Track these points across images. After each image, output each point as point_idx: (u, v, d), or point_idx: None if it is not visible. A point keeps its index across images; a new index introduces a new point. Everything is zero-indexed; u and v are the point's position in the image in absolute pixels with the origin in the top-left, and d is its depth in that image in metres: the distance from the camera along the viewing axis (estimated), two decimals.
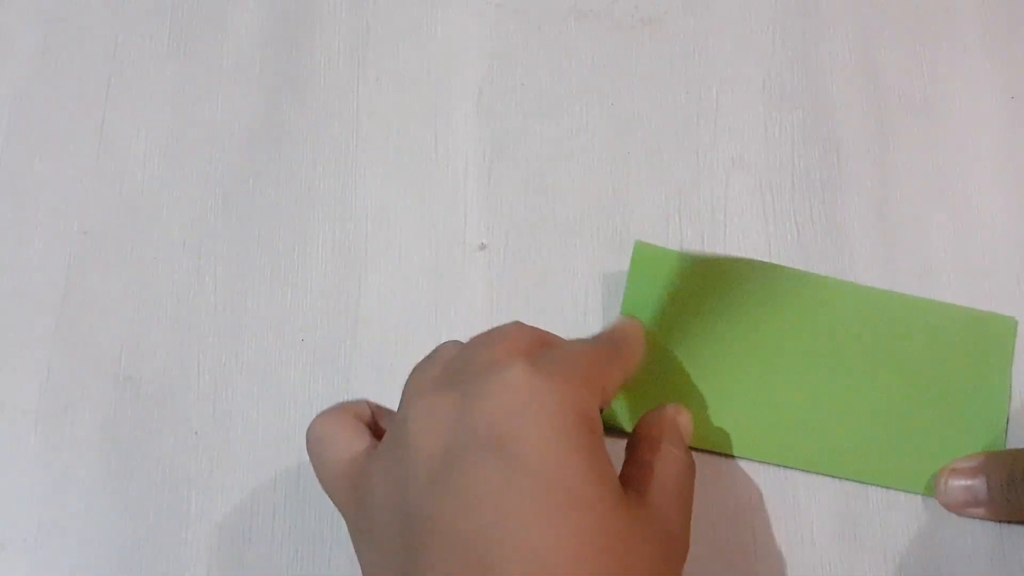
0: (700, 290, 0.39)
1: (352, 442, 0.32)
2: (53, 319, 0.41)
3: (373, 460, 0.31)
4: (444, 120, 0.44)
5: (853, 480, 0.38)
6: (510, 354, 0.29)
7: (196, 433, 0.39)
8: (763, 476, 0.38)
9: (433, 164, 0.43)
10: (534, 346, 0.31)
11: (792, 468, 0.38)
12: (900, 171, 0.43)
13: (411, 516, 0.27)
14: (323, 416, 0.34)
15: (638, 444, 0.34)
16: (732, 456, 0.38)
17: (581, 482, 0.27)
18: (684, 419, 0.35)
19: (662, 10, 0.46)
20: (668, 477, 0.32)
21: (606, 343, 0.35)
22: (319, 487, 0.34)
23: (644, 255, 0.40)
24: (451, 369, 0.31)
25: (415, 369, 0.33)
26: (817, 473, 0.38)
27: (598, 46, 0.45)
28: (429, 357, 0.33)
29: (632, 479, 0.32)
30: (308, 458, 0.34)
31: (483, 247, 0.42)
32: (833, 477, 0.38)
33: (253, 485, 0.38)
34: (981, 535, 0.38)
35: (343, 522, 0.33)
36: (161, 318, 0.41)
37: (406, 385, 0.32)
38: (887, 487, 0.38)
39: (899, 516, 0.38)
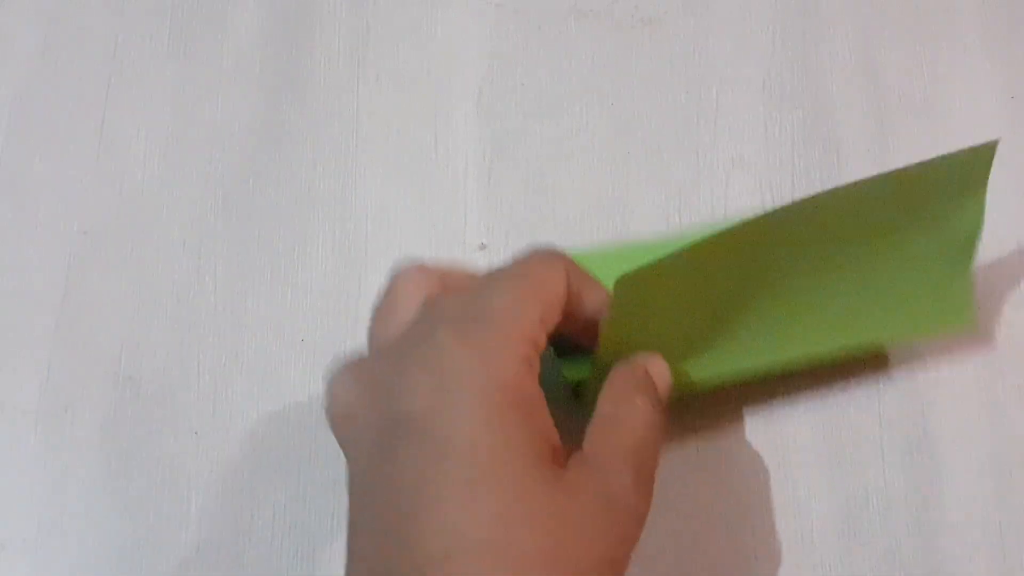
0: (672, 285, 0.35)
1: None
2: (53, 319, 0.41)
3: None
4: (444, 120, 0.44)
5: (845, 347, 0.37)
6: (436, 320, 0.28)
7: (196, 433, 0.39)
8: (763, 476, 0.38)
9: (433, 164, 0.43)
10: (439, 290, 0.30)
11: (791, 365, 0.37)
12: None
13: (352, 495, 0.28)
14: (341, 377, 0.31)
15: (602, 398, 0.31)
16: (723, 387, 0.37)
17: (500, 457, 0.26)
18: (657, 368, 0.32)
19: (662, 10, 0.46)
20: (625, 433, 0.30)
21: (522, 281, 0.30)
22: (319, 487, 0.34)
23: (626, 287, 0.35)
24: (392, 336, 0.30)
25: (377, 319, 0.32)
26: (816, 357, 0.37)
27: (598, 46, 0.45)
28: (390, 304, 0.32)
29: (591, 437, 0.30)
30: (310, 450, 0.33)
31: (483, 247, 0.42)
32: (832, 352, 0.37)
33: (253, 485, 0.38)
34: (981, 535, 0.38)
35: (343, 522, 0.33)
36: (161, 318, 0.41)
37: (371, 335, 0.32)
38: (874, 341, 0.38)
39: (899, 516, 0.38)
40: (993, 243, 0.42)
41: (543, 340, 0.29)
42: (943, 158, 0.35)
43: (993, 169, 0.43)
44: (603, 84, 0.45)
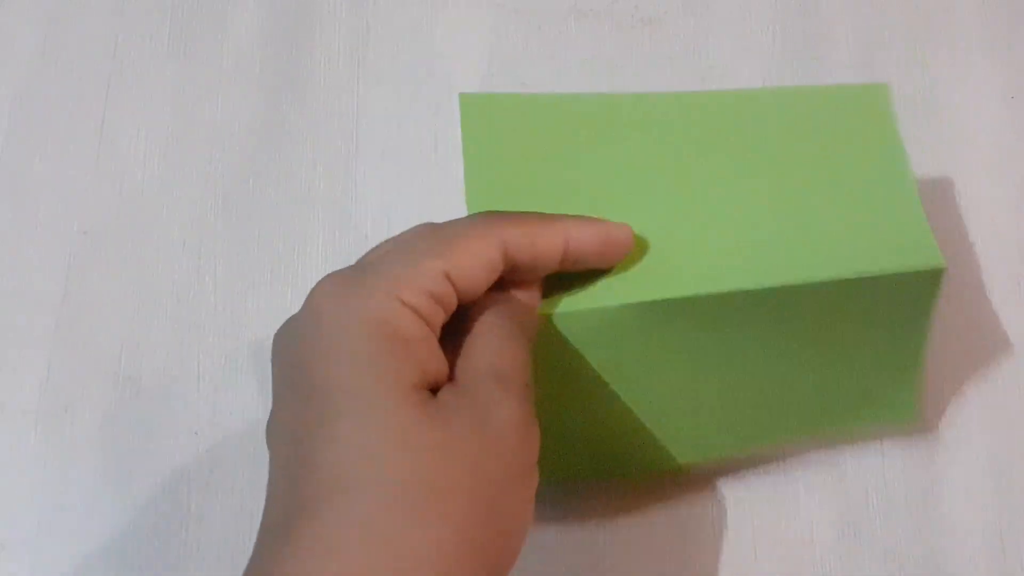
0: (543, 135, 0.35)
1: None
2: (53, 319, 0.41)
3: None
4: (444, 120, 0.44)
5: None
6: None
7: (196, 433, 0.39)
8: (764, 476, 0.38)
9: (433, 164, 0.43)
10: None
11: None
12: None
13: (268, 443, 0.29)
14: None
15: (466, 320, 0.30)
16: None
17: (371, 394, 0.26)
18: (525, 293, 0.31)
19: (662, 10, 0.46)
20: (485, 351, 0.29)
21: (430, 238, 0.30)
22: None
23: (472, 106, 0.35)
24: None
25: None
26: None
27: (598, 46, 0.45)
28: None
29: (459, 364, 0.29)
30: None
31: None
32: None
33: (253, 485, 0.38)
34: (981, 535, 0.38)
35: None
36: (161, 318, 0.41)
37: None
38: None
39: (899, 516, 0.38)
40: (991, 241, 0.42)
41: (449, 293, 0.28)
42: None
43: (992, 169, 0.43)
44: (603, 84, 0.45)
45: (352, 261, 0.43)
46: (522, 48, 0.45)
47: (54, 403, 0.40)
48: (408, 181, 0.43)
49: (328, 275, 0.29)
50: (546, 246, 0.30)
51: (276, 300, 0.41)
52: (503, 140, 0.35)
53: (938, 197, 0.43)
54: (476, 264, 0.29)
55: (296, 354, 0.28)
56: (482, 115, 0.35)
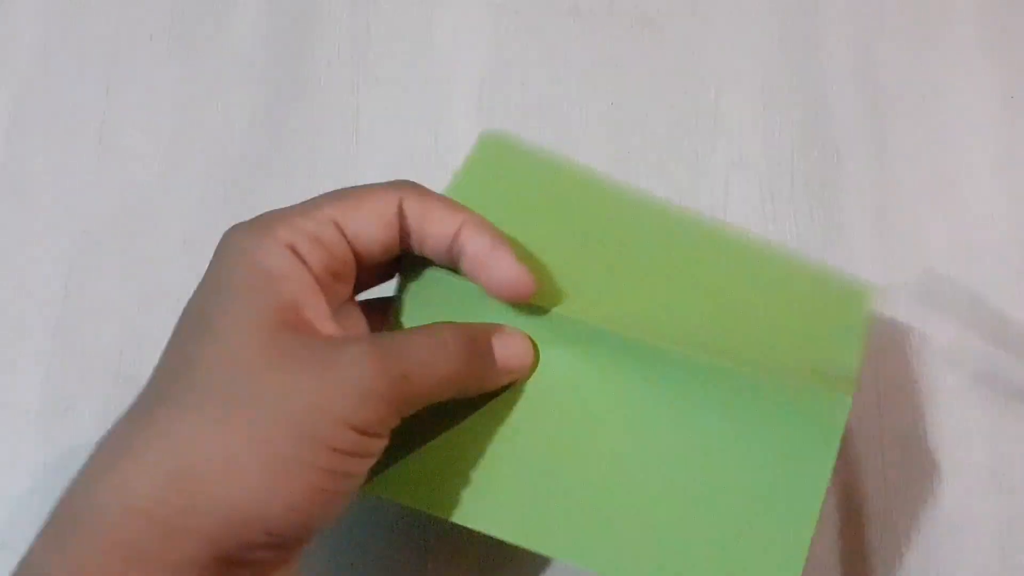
0: (541, 198, 0.35)
1: None
2: (54, 319, 0.41)
3: None
4: (444, 120, 0.44)
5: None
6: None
7: None
8: None
9: (433, 164, 0.43)
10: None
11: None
12: (900, 171, 0.43)
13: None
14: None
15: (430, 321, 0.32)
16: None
17: (214, 316, 0.29)
18: (507, 342, 0.32)
19: (662, 10, 0.46)
20: (413, 347, 0.29)
21: (336, 194, 0.31)
22: None
23: (490, 145, 0.35)
24: None
25: None
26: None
27: (598, 46, 0.45)
28: None
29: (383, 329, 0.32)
30: None
31: None
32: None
33: None
34: (981, 536, 0.38)
35: (342, 522, 0.33)
36: (161, 317, 0.41)
37: None
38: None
39: (899, 517, 0.38)
40: (991, 240, 0.42)
41: (336, 238, 0.30)
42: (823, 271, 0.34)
43: (992, 169, 0.43)
44: (603, 84, 0.45)
45: None
46: (522, 48, 0.45)
47: (54, 403, 0.40)
48: None
49: (241, 221, 0.31)
50: (437, 223, 0.31)
51: None
52: (499, 186, 0.34)
53: (938, 197, 0.43)
54: (369, 216, 0.30)
55: (208, 269, 0.30)
56: (493, 157, 0.35)
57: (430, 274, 0.32)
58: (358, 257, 0.31)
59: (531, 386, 0.32)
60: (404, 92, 0.45)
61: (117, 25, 0.46)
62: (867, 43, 0.45)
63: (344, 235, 0.30)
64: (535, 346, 0.32)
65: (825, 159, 0.43)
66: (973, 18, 0.45)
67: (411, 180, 0.32)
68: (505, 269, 0.31)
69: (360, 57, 0.45)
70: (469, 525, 0.31)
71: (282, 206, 0.43)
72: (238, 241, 0.29)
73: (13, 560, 0.38)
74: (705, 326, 0.32)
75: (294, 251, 0.29)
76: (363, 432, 0.27)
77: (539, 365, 0.32)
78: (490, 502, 0.31)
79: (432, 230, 0.31)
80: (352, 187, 0.31)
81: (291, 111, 0.44)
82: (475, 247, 0.31)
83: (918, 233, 0.42)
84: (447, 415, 0.32)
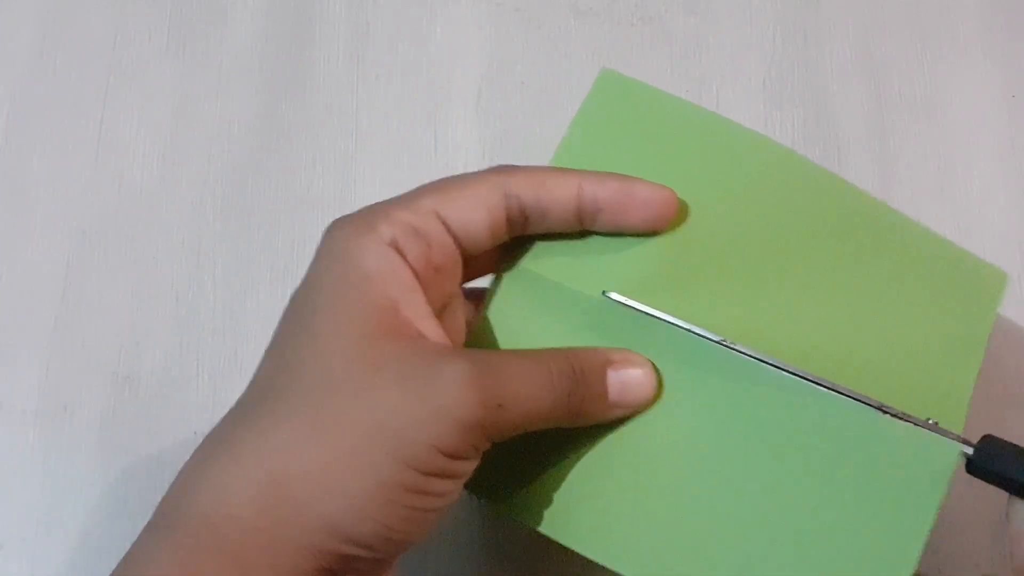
0: (673, 144, 0.32)
1: None
2: (52, 319, 0.41)
3: None
4: (444, 120, 0.44)
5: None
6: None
7: (196, 433, 0.39)
8: None
9: (433, 164, 0.43)
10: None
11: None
12: (900, 171, 0.43)
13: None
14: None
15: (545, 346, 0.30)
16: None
17: (308, 318, 0.28)
18: (628, 375, 0.30)
19: (662, 9, 0.46)
20: (515, 372, 0.28)
21: (437, 183, 0.30)
22: None
23: (608, 83, 0.33)
24: None
25: None
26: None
27: (598, 45, 0.45)
28: None
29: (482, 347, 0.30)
30: None
31: None
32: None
33: None
34: (981, 536, 0.38)
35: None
36: (160, 318, 0.41)
37: None
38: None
39: None
40: (992, 240, 0.42)
41: (437, 229, 0.29)
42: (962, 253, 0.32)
43: (992, 169, 0.43)
44: None
45: None
46: (522, 47, 0.45)
47: (53, 403, 0.40)
48: (408, 181, 0.43)
49: (346, 214, 0.30)
50: (556, 189, 0.29)
51: (276, 300, 0.41)
52: (618, 130, 0.32)
53: (938, 196, 0.43)
54: (472, 203, 0.29)
55: (311, 265, 0.29)
56: (614, 95, 0.33)
57: (528, 274, 0.31)
58: (462, 248, 0.29)
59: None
60: (404, 91, 0.45)
61: (116, 25, 0.46)
62: (869, 41, 0.45)
63: (447, 226, 0.29)
64: (658, 375, 0.30)
65: (827, 158, 0.43)
66: (975, 16, 0.45)
67: (505, 164, 0.30)
68: (643, 191, 0.30)
69: (359, 56, 0.45)
70: (567, 543, 0.30)
71: (281, 206, 0.43)
72: (337, 239, 0.28)
73: (13, 560, 0.38)
74: (828, 323, 0.31)
75: (394, 246, 0.28)
76: (453, 456, 0.27)
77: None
78: (590, 520, 0.30)
79: (554, 196, 0.29)
80: (452, 176, 0.30)
81: (291, 110, 0.44)
82: (606, 191, 0.29)
83: None
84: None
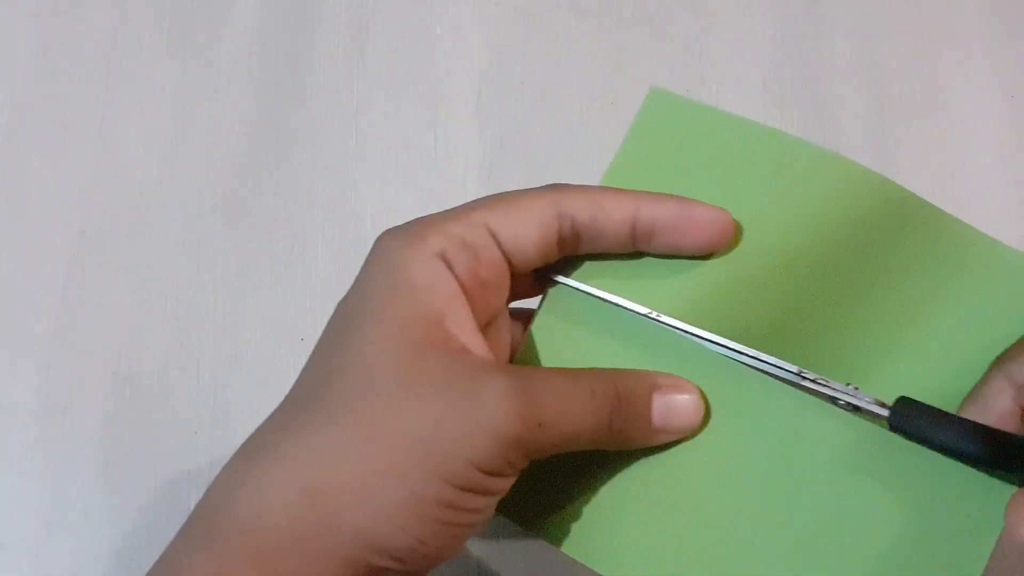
0: (725, 161, 0.31)
1: None
2: (52, 319, 0.41)
3: None
4: (444, 120, 0.44)
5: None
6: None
7: (196, 433, 0.39)
8: None
9: (433, 164, 0.43)
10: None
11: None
12: (900, 171, 0.43)
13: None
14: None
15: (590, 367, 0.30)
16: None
17: (357, 325, 0.28)
18: (673, 400, 0.29)
19: (662, 9, 0.46)
20: (552, 389, 0.28)
21: (488, 199, 0.30)
22: None
23: (659, 103, 0.32)
24: None
25: None
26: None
27: (598, 45, 0.45)
28: None
29: (527, 363, 0.30)
30: None
31: None
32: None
33: None
34: None
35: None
36: (161, 318, 0.41)
37: None
38: None
39: None
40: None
41: (487, 243, 0.29)
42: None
43: (992, 169, 0.43)
44: (603, 83, 0.45)
45: (352, 260, 0.43)
46: (522, 47, 0.45)
47: (53, 403, 0.40)
48: (408, 181, 0.43)
49: (398, 225, 0.30)
50: (612, 211, 0.29)
51: (276, 300, 0.41)
52: (670, 149, 0.32)
53: (938, 196, 0.42)
54: (524, 219, 0.29)
55: (360, 273, 0.29)
56: (664, 114, 0.32)
57: (576, 292, 0.30)
58: (511, 264, 0.29)
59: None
60: (404, 91, 0.45)
61: (116, 25, 0.46)
62: (869, 42, 0.45)
63: (497, 240, 0.29)
64: (706, 402, 0.29)
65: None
66: (975, 17, 0.45)
67: (562, 182, 0.30)
68: (701, 213, 0.29)
69: (360, 56, 0.45)
70: (596, 568, 0.29)
71: (281, 206, 0.43)
72: (386, 249, 0.29)
73: (13, 560, 0.38)
74: (878, 347, 0.30)
75: (443, 258, 0.28)
76: (490, 474, 0.27)
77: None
78: (621, 545, 0.29)
79: (610, 217, 0.29)
80: (507, 192, 0.30)
81: (291, 110, 0.44)
82: (664, 213, 0.29)
83: None
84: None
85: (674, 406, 0.29)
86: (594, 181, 0.43)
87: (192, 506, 0.38)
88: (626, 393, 0.28)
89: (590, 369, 0.29)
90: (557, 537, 0.30)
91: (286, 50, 0.45)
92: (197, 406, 0.40)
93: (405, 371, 0.27)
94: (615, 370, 0.29)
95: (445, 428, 0.26)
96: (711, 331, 0.29)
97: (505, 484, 0.27)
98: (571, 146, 0.43)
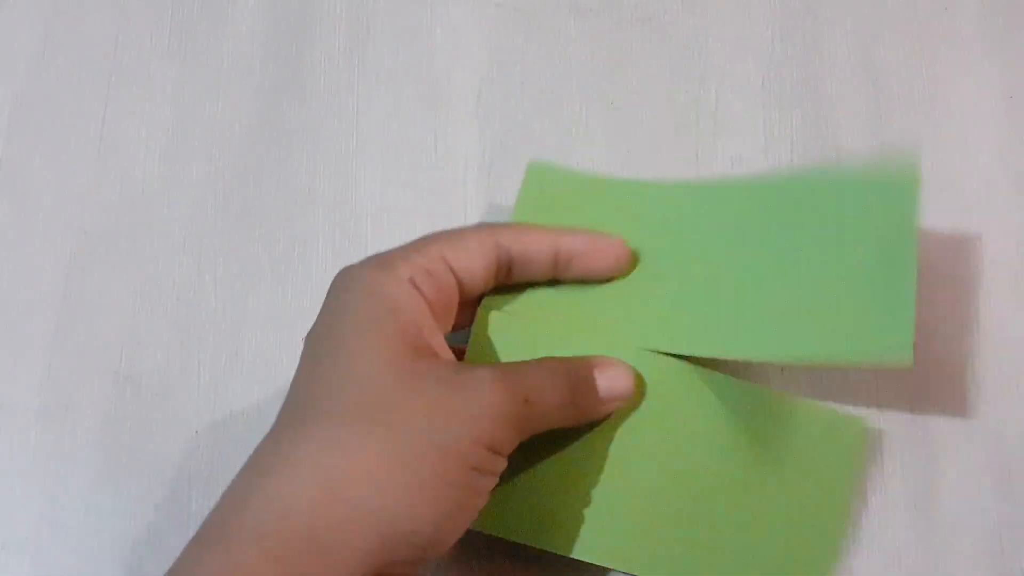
0: (596, 215, 0.38)
1: None
2: (53, 319, 0.41)
3: None
4: (444, 120, 0.44)
5: (774, 356, 0.36)
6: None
7: (196, 433, 0.39)
8: None
9: (433, 164, 0.43)
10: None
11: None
12: None
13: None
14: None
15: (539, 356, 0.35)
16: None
17: (346, 341, 0.31)
18: (611, 374, 0.35)
19: (662, 9, 0.46)
20: (526, 377, 0.33)
21: (437, 234, 0.35)
22: None
23: (537, 174, 0.39)
24: None
25: None
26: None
27: (598, 45, 0.45)
28: None
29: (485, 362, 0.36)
30: None
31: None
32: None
33: None
34: (981, 535, 0.38)
35: None
36: (161, 318, 0.41)
37: None
38: (804, 356, 0.35)
39: (899, 516, 0.38)
40: (991, 240, 0.42)
41: (445, 271, 0.33)
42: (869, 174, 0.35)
43: (991, 168, 0.43)
44: (603, 83, 0.45)
45: (351, 261, 0.43)
46: (522, 47, 0.45)
47: (54, 403, 0.40)
48: (408, 181, 0.43)
49: (351, 264, 0.34)
50: (535, 240, 0.35)
51: (276, 300, 0.41)
52: (552, 213, 0.38)
53: (938, 197, 0.43)
54: (471, 252, 0.34)
55: (328, 302, 0.33)
56: (543, 185, 0.39)
57: (504, 319, 0.36)
58: (462, 290, 0.34)
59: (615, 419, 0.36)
60: (404, 91, 0.45)
61: (117, 24, 0.46)
62: (868, 42, 0.45)
63: (452, 270, 0.33)
64: (639, 376, 0.36)
65: (826, 158, 0.43)
66: (974, 17, 0.45)
67: (493, 223, 0.35)
68: (607, 241, 0.36)
69: (360, 56, 0.45)
70: (571, 555, 0.35)
71: (281, 206, 0.43)
72: (356, 278, 0.32)
73: (13, 560, 0.38)
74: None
75: (413, 284, 0.32)
76: (494, 451, 0.30)
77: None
78: (590, 531, 0.35)
79: (535, 247, 0.35)
80: (452, 229, 0.35)
81: (291, 110, 0.44)
82: (578, 242, 0.35)
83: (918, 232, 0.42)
84: (539, 449, 0.35)
85: (612, 375, 0.34)
86: None
87: (192, 506, 0.38)
88: (576, 370, 0.34)
89: (545, 358, 0.34)
90: (517, 532, 0.35)
91: (286, 50, 0.45)
92: (197, 406, 0.40)
93: (400, 373, 0.30)
94: (562, 357, 0.34)
95: (447, 414, 0.29)
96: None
97: (502, 465, 0.31)
98: (571, 146, 0.44)
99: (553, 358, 0.34)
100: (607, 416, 0.35)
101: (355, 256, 0.42)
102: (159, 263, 0.42)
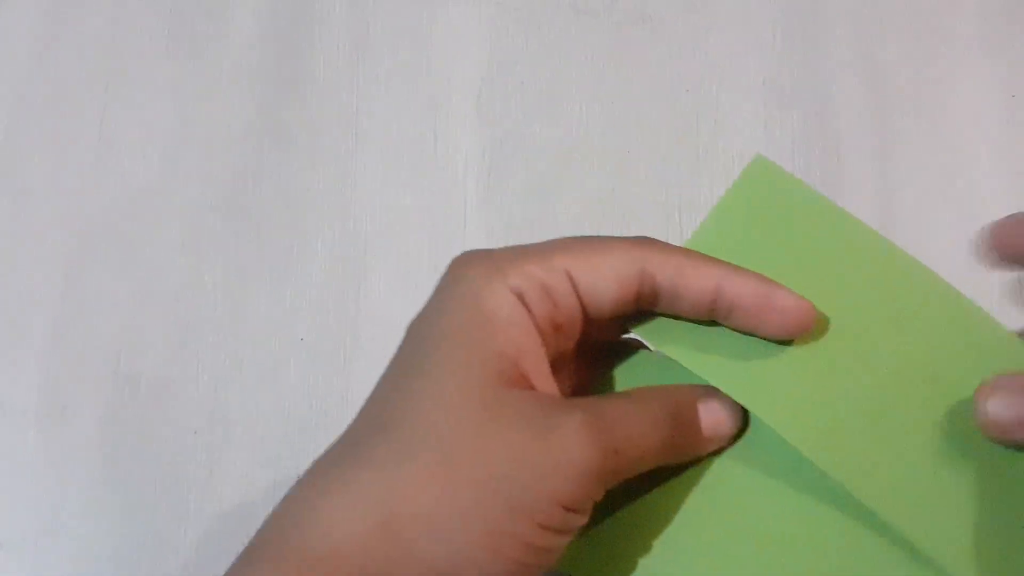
0: (815, 250, 0.31)
1: None
2: (52, 319, 0.41)
3: None
4: (444, 120, 0.44)
5: None
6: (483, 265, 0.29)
7: (196, 433, 0.39)
8: None
9: (433, 164, 0.43)
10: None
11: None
12: (900, 170, 0.43)
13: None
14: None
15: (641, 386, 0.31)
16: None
17: (432, 357, 0.28)
18: (713, 408, 0.30)
19: (662, 8, 0.46)
20: (607, 398, 0.29)
21: (575, 240, 0.30)
22: None
23: (760, 173, 0.32)
24: None
25: None
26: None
27: (598, 45, 0.45)
28: None
29: (593, 396, 0.30)
30: (310, 449, 0.33)
31: None
32: None
33: (253, 485, 0.38)
34: None
35: None
36: (161, 318, 0.41)
37: None
38: None
39: None
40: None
41: (566, 290, 0.28)
42: None
43: (992, 169, 0.43)
44: (603, 83, 0.45)
45: (351, 261, 0.43)
46: (522, 48, 0.45)
47: (53, 403, 0.40)
48: (408, 181, 0.43)
49: (474, 250, 0.29)
50: (694, 280, 0.29)
51: (276, 300, 0.41)
52: (760, 224, 0.31)
53: (938, 196, 0.43)
54: (606, 273, 0.28)
55: (437, 292, 0.29)
56: (762, 185, 0.32)
57: (649, 355, 0.31)
58: (586, 312, 0.29)
59: (721, 462, 0.30)
60: (404, 91, 0.45)
61: (116, 24, 0.46)
62: (868, 41, 0.45)
63: (575, 288, 0.28)
64: (744, 413, 0.30)
65: (826, 157, 0.43)
66: (975, 17, 0.45)
67: (650, 236, 0.30)
68: (783, 299, 0.29)
69: (360, 56, 0.45)
70: None
71: (281, 206, 0.43)
72: (465, 278, 0.28)
73: (13, 560, 0.38)
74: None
75: (522, 299, 0.28)
76: (571, 509, 0.27)
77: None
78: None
79: (690, 285, 0.29)
80: (590, 237, 0.30)
81: (291, 110, 0.44)
82: (745, 293, 0.28)
83: (920, 232, 0.42)
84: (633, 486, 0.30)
85: (717, 411, 0.30)
86: (593, 179, 0.43)
87: (191, 506, 0.38)
88: (680, 405, 0.29)
89: (646, 388, 0.29)
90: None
91: (286, 50, 0.45)
92: (197, 406, 0.40)
93: (482, 406, 0.27)
94: (665, 387, 0.30)
95: (528, 465, 0.26)
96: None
97: (581, 522, 0.27)
98: (571, 146, 0.43)
99: (656, 390, 0.29)
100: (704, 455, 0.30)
101: (355, 256, 0.42)
102: (158, 263, 0.42)
